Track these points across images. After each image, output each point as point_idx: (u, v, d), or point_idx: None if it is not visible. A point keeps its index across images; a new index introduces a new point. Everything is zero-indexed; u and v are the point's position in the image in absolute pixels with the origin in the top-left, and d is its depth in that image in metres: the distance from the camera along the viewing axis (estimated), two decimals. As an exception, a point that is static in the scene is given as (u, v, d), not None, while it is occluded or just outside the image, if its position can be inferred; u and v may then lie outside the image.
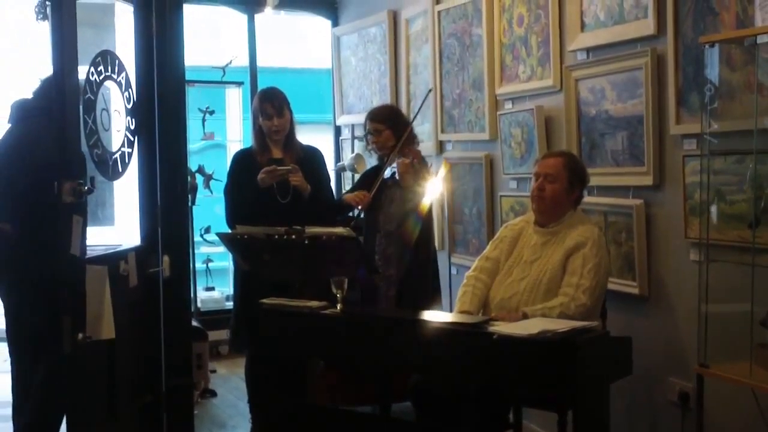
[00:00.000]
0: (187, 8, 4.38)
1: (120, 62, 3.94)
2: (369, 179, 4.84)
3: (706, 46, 3.41)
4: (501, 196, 5.19)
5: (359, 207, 4.67)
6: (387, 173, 4.64)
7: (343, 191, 7.19)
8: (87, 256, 3.38)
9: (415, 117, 5.03)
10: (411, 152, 4.68)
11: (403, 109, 6.20)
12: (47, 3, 3.68)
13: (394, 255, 4.70)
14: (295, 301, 3.93)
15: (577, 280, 3.67)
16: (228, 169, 4.89)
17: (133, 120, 4.07)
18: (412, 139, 4.85)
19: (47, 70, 3.43)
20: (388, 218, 4.74)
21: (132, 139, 4.07)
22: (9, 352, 4.52)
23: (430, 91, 5.48)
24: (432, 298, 4.76)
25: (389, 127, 4.77)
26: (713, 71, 3.45)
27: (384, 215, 4.75)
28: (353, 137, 7.24)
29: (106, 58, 3.85)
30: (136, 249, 3.93)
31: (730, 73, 3.47)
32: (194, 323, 5.80)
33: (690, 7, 3.73)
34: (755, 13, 3.36)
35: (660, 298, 4.05)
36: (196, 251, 6.94)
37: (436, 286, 4.87)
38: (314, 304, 3.85)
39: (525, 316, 3.60)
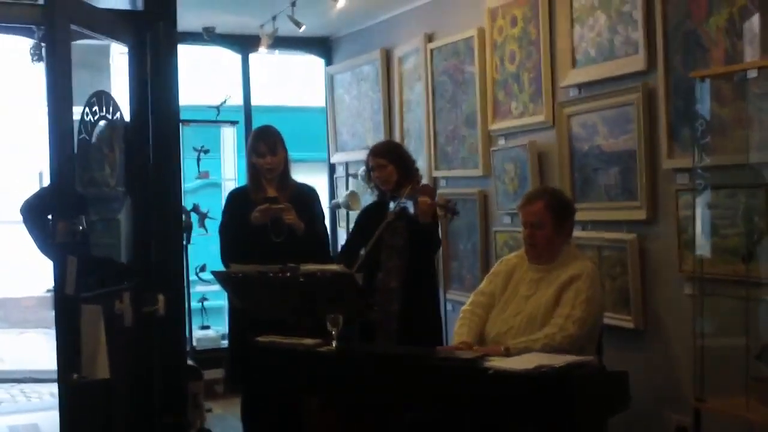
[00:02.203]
0: (181, 48, 4.41)
1: (114, 102, 3.96)
2: (368, 217, 4.81)
3: (697, 81, 3.44)
4: (495, 231, 5.20)
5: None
6: (395, 207, 4.56)
7: (338, 227, 7.20)
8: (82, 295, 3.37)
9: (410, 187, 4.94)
10: (427, 189, 4.63)
11: (397, 146, 6.22)
12: (42, 45, 3.71)
13: (397, 288, 4.67)
14: (290, 338, 3.92)
15: (568, 310, 3.67)
16: (223, 207, 4.89)
17: (129, 159, 4.08)
18: (417, 175, 4.84)
19: (42, 110, 3.45)
20: (390, 253, 4.70)
21: (127, 178, 4.08)
22: None
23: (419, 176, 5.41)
24: (435, 333, 4.74)
25: (392, 161, 4.75)
26: (704, 106, 3.48)
27: (386, 251, 4.70)
28: (347, 175, 7.25)
29: (101, 99, 3.87)
30: (131, 288, 3.92)
31: (721, 107, 3.50)
32: (189, 362, 5.76)
33: (679, 43, 3.76)
34: (744, 48, 3.39)
35: (655, 332, 4.05)
36: (191, 290, 6.91)
37: (438, 321, 4.84)
38: (309, 341, 3.84)
39: (507, 351, 3.59)
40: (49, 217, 3.57)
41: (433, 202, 4.46)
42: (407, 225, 4.57)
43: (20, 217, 4.23)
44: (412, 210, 4.48)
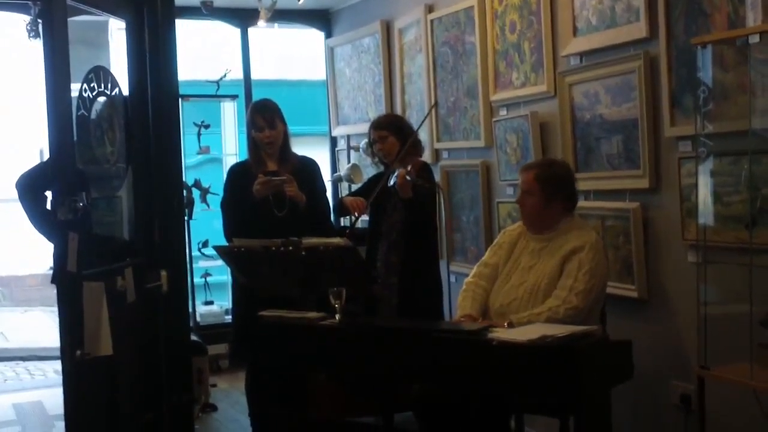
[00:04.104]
0: (179, 23, 4.39)
1: (113, 78, 3.94)
2: (375, 184, 4.82)
3: (699, 48, 3.41)
4: (498, 202, 5.19)
5: (355, 213, 4.66)
6: (391, 181, 4.60)
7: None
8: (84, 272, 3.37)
9: (418, 128, 5.00)
10: (411, 162, 4.64)
11: (399, 118, 6.20)
12: (39, 21, 3.69)
13: (397, 263, 4.69)
14: (293, 312, 3.91)
15: (571, 282, 3.66)
16: (224, 182, 4.87)
17: (128, 135, 4.07)
18: (417, 147, 4.83)
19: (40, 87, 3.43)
20: (391, 226, 4.72)
21: (127, 154, 4.06)
22: None
23: (435, 104, 5.45)
24: (434, 306, 4.74)
25: (393, 133, 4.76)
26: (706, 73, 3.45)
27: (387, 223, 4.73)
28: (349, 148, 7.24)
29: (99, 74, 3.85)
30: (133, 264, 3.92)
31: (723, 74, 3.47)
32: (194, 338, 5.78)
33: (681, 10, 3.73)
34: (747, 14, 3.36)
35: (659, 301, 4.04)
36: (194, 265, 6.92)
37: (438, 294, 4.85)
38: (313, 315, 3.84)
39: (510, 325, 3.56)
40: (47, 193, 3.57)
41: (407, 171, 4.44)
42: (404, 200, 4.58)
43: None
44: None
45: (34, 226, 4.18)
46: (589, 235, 3.81)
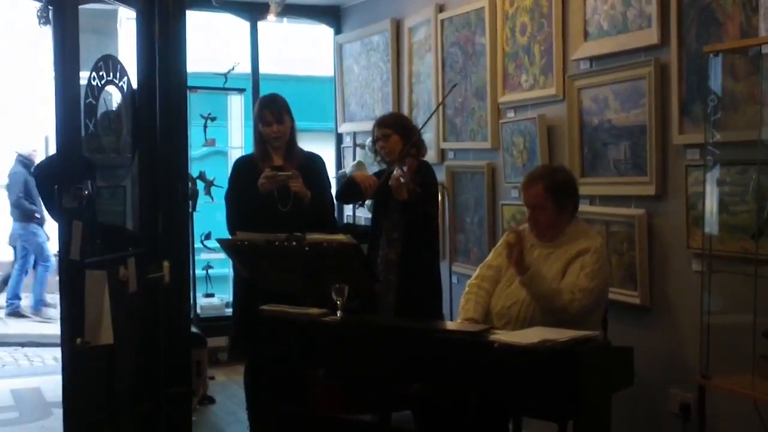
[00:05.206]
0: (189, 14, 4.38)
1: (122, 67, 3.94)
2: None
3: (710, 56, 3.40)
4: (502, 204, 5.18)
5: (365, 191, 4.57)
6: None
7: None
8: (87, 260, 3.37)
9: (426, 122, 4.99)
10: (407, 163, 4.57)
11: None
12: (49, 8, 3.68)
13: (395, 261, 4.68)
14: (295, 308, 3.91)
15: (573, 279, 3.65)
16: (229, 175, 4.87)
17: (135, 125, 4.06)
18: (420, 147, 4.78)
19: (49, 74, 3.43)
20: (391, 224, 4.71)
21: (133, 144, 4.06)
22: None
23: (455, 85, 5.43)
24: (432, 306, 4.73)
25: (397, 131, 4.72)
26: (716, 81, 3.44)
27: (388, 221, 4.72)
28: (355, 145, 7.23)
29: (108, 63, 3.85)
30: (136, 254, 3.92)
31: (734, 83, 3.46)
32: (193, 330, 5.78)
33: (694, 17, 3.72)
34: (759, 23, 3.35)
35: (662, 309, 4.04)
36: (196, 257, 6.92)
37: (437, 294, 4.84)
38: (314, 311, 3.84)
39: (527, 269, 3.65)
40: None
41: (401, 173, 4.41)
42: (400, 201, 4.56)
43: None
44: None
45: (51, 217, 4.19)
46: (593, 240, 3.80)
